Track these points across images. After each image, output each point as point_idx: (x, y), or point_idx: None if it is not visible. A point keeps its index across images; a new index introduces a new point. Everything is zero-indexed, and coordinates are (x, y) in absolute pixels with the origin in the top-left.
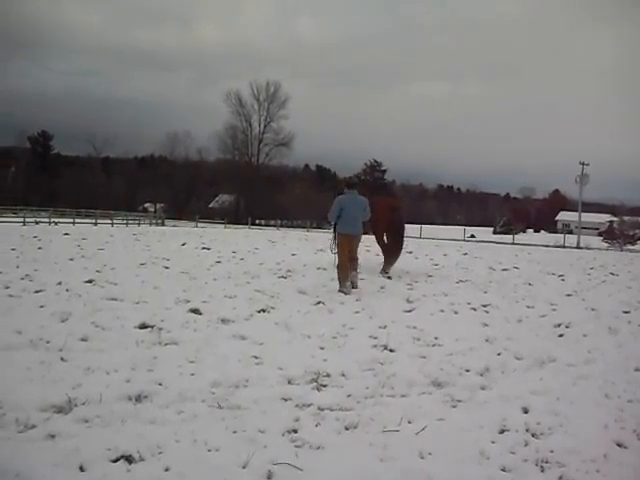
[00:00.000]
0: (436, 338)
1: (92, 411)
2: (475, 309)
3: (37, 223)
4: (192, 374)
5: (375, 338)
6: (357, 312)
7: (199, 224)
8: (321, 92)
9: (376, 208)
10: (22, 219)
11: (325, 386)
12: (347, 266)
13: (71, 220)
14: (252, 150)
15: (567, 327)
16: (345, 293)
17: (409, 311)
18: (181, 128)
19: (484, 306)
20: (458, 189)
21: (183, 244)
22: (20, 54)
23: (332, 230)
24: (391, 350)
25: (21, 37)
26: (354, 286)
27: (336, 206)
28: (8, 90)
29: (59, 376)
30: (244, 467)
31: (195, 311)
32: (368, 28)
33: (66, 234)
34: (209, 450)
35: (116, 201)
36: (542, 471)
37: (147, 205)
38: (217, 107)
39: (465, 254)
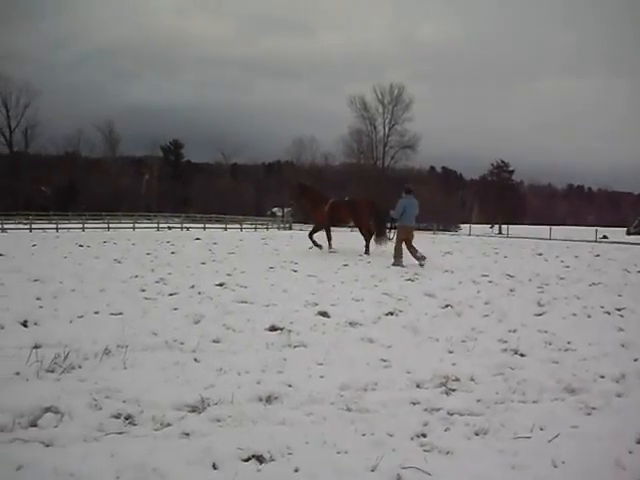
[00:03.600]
0: (568, 343)
1: (224, 411)
2: (609, 313)
3: (170, 228)
4: (321, 376)
5: (505, 342)
6: (486, 315)
7: None
8: (444, 93)
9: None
10: (156, 225)
11: (454, 390)
12: (402, 248)
13: (202, 225)
14: (377, 153)
15: None
16: (402, 266)
17: (540, 314)
18: (307, 133)
19: (619, 310)
20: (589, 188)
21: (310, 248)
22: (151, 68)
23: (392, 225)
24: (522, 354)
25: (151, 52)
26: (422, 258)
27: (400, 207)
28: (141, 103)
29: (193, 376)
30: (373, 470)
31: (323, 314)
32: (490, 27)
33: (197, 239)
34: (338, 452)
35: (245, 206)
36: None
37: (275, 209)
38: (342, 112)
39: (597, 256)
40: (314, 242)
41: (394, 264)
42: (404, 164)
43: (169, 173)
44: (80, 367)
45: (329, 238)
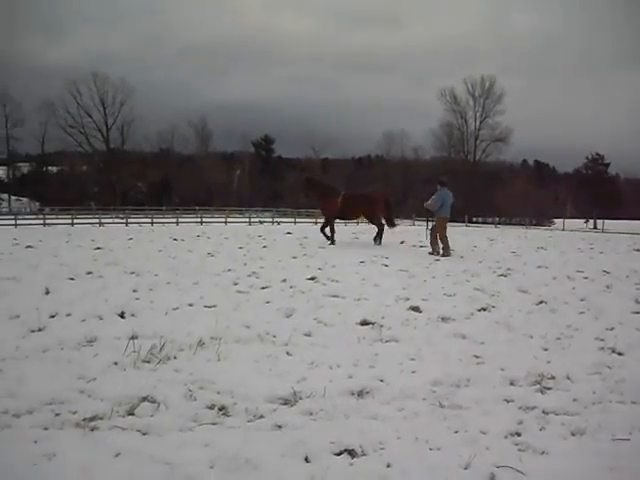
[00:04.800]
0: None
1: (316, 404)
2: None
3: (261, 223)
4: (413, 372)
5: (602, 340)
6: (582, 312)
7: (416, 222)
8: (537, 84)
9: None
10: (247, 219)
11: (549, 389)
12: (447, 236)
13: (292, 220)
14: (468, 147)
15: None
16: (445, 256)
17: (638, 312)
18: (396, 127)
19: None
20: None
21: (401, 242)
22: (242, 65)
23: (429, 217)
24: (619, 353)
25: (243, 50)
26: (448, 254)
27: (438, 199)
28: (233, 99)
29: (285, 369)
30: (466, 468)
31: (415, 309)
32: (586, 14)
33: (288, 233)
34: (430, 449)
35: None
36: None
37: None
38: (431, 105)
39: None
40: (326, 236)
41: (443, 255)
42: (495, 157)
43: (260, 168)
44: (175, 358)
45: (332, 231)
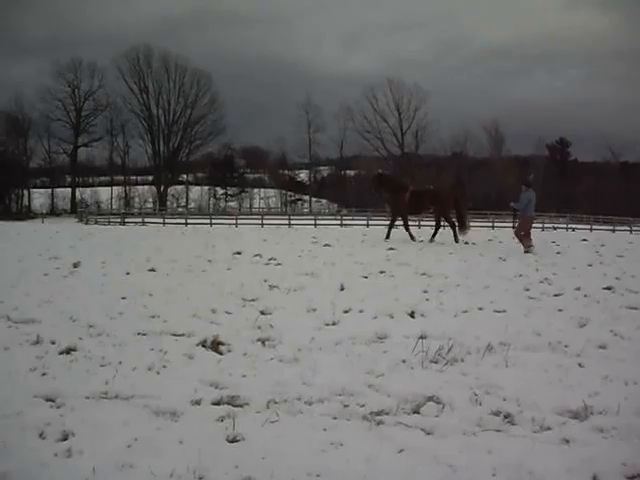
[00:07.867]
0: None
1: (609, 422)
2: None
3: (555, 229)
4: None
5: None
6: None
7: None
8: None
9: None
10: (541, 225)
11: None
12: (530, 234)
13: (589, 226)
14: None
15: None
16: (532, 252)
17: None
18: None
19: None
20: None
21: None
22: (538, 66)
23: (514, 215)
24: None
25: (539, 50)
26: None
27: (526, 200)
28: (528, 101)
29: (576, 381)
30: None
31: None
32: None
33: (584, 240)
34: None
35: (635, 207)
36: None
37: None
38: None
39: None
40: (410, 235)
41: (526, 251)
42: None
43: (555, 172)
44: (462, 361)
45: (407, 227)
